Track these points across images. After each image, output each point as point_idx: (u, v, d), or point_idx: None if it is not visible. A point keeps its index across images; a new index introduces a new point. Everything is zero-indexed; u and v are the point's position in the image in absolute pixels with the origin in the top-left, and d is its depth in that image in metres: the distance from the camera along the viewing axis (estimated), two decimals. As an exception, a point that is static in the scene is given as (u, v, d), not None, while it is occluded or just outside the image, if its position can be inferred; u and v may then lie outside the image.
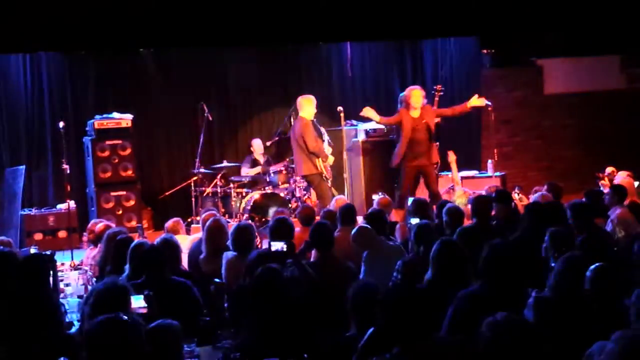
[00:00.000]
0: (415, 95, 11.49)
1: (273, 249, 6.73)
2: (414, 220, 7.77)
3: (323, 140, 12.17)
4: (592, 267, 4.87)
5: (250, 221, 10.34)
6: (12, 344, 5.09)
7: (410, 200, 9.38)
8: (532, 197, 9.65)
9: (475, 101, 11.86)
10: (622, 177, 10.73)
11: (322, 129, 12.39)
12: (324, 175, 11.94)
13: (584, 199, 8.50)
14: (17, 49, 12.51)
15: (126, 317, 4.21)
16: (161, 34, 12.30)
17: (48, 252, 6.42)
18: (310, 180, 12.00)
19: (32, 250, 7.76)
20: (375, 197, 10.30)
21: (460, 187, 11.46)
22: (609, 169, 11.43)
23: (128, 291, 5.07)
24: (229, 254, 7.17)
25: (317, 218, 8.89)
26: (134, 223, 12.18)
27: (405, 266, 6.51)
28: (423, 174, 11.57)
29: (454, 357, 4.20)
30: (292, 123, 12.28)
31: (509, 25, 13.84)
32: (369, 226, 7.50)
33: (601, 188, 10.59)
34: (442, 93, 12.28)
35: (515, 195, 10.45)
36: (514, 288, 5.18)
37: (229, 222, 10.14)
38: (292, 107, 12.56)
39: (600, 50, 14.80)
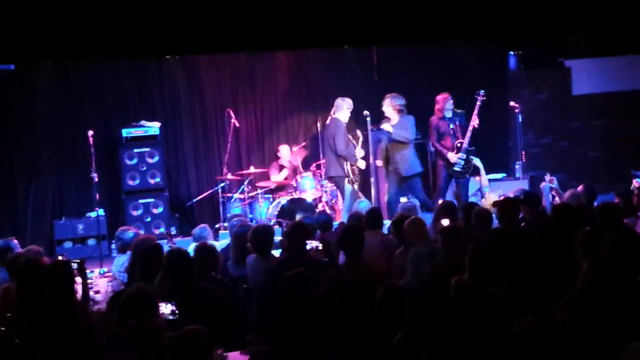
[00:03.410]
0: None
1: (308, 247, 6.84)
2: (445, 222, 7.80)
3: (355, 145, 12.20)
4: None
5: (277, 225, 10.43)
6: (42, 352, 5.14)
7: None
8: (565, 197, 9.60)
9: None
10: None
11: (359, 132, 12.39)
12: (350, 178, 11.97)
13: (615, 200, 8.44)
14: (47, 59, 12.65)
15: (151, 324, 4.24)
16: (188, 41, 12.40)
17: (78, 260, 6.44)
18: (336, 182, 12.11)
19: (60, 258, 7.78)
20: (403, 200, 10.28)
21: (490, 192, 11.40)
22: None
23: (153, 298, 5.07)
24: (250, 257, 7.22)
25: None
26: (162, 230, 12.26)
27: (433, 269, 6.47)
28: None
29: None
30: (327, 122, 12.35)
31: (536, 26, 13.79)
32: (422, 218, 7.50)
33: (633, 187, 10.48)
34: (484, 98, 11.96)
35: (546, 189, 10.39)
36: (544, 290, 5.17)
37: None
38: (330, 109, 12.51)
39: (628, 50, 14.69)
